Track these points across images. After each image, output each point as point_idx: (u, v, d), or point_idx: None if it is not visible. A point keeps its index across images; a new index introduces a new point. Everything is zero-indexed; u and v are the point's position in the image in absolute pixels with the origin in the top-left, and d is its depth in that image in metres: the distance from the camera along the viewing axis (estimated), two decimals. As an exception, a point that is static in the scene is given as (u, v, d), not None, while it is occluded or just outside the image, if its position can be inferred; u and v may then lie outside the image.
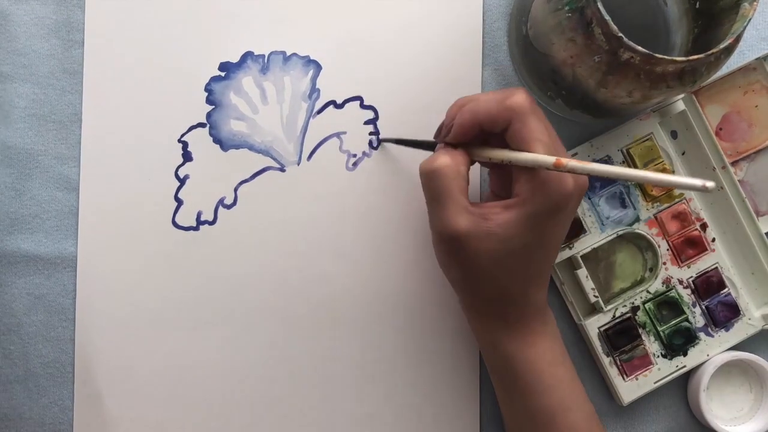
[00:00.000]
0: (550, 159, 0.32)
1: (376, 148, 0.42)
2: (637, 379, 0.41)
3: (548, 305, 0.38)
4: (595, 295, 0.41)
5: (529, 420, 0.37)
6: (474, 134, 0.34)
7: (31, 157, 0.41)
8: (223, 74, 0.42)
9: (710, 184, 0.28)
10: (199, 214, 0.42)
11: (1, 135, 0.41)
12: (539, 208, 0.33)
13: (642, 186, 0.41)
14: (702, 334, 0.42)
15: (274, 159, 0.42)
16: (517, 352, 0.36)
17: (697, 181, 0.28)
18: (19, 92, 0.41)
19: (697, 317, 0.42)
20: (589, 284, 0.41)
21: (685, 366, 0.41)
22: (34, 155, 0.41)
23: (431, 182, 0.34)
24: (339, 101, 0.42)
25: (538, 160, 0.32)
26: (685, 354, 0.42)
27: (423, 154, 0.37)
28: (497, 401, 0.39)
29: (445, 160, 0.34)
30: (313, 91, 0.42)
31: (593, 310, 0.42)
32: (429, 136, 0.38)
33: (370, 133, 0.42)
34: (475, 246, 0.33)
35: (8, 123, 0.41)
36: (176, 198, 0.41)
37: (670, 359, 0.41)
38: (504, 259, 0.34)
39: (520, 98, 0.33)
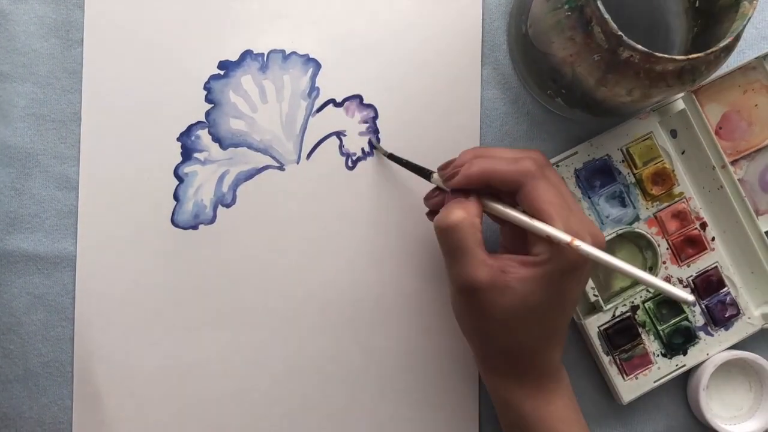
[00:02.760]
0: (566, 237, 0.32)
1: (371, 152, 0.42)
2: (636, 378, 0.41)
3: (562, 364, 0.38)
4: (594, 294, 0.41)
5: None
6: (479, 187, 0.34)
7: (30, 156, 0.41)
8: (222, 73, 0.42)
9: (690, 298, 0.31)
10: (198, 213, 0.42)
11: (1, 135, 0.41)
12: (557, 269, 0.33)
13: (642, 185, 0.41)
14: (702, 333, 0.42)
15: (274, 158, 0.42)
16: (531, 410, 0.36)
17: (682, 294, 0.31)
18: (19, 92, 0.41)
19: (696, 316, 0.42)
20: (588, 283, 0.41)
21: (684, 365, 0.41)
22: (34, 155, 0.41)
23: (448, 237, 0.34)
24: (338, 100, 0.42)
25: (553, 235, 0.32)
26: (684, 353, 0.42)
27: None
28: None
29: (460, 214, 0.34)
30: (313, 90, 0.42)
31: (593, 309, 0.42)
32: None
33: (370, 132, 0.42)
34: (493, 298, 0.33)
35: (8, 122, 0.41)
36: (175, 197, 0.41)
37: (670, 358, 0.41)
38: (521, 314, 0.34)
39: (530, 163, 0.34)
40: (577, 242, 0.32)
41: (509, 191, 0.34)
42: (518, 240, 0.36)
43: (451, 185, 0.35)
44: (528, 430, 0.36)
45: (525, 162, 0.34)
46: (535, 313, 0.34)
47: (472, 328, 0.36)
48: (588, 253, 0.32)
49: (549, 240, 0.33)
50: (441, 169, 0.36)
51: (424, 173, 0.38)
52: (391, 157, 0.41)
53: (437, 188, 0.38)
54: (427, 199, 0.38)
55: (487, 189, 0.35)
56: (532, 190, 0.33)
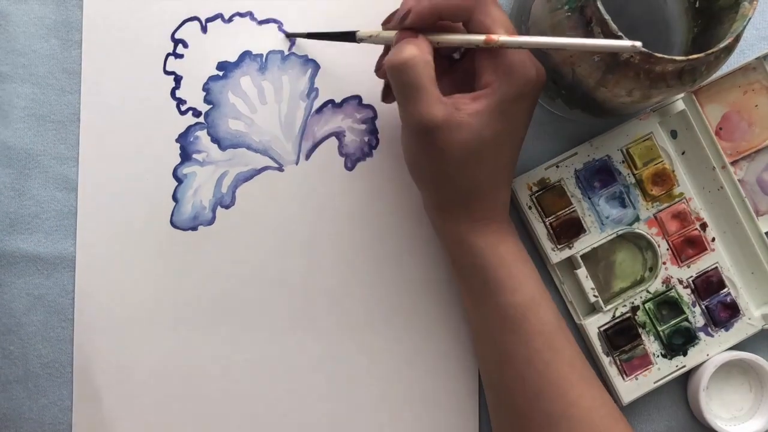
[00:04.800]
0: (480, 37, 0.33)
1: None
2: (636, 378, 0.41)
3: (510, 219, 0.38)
4: (594, 295, 0.41)
5: (500, 318, 0.36)
6: (431, 23, 0.35)
7: (30, 157, 0.41)
8: (221, 73, 0.42)
9: (638, 43, 0.30)
10: (197, 215, 0.42)
11: (0, 135, 0.41)
12: (506, 95, 0.34)
13: (642, 186, 0.41)
14: (702, 334, 0.42)
15: (273, 158, 0.42)
16: (487, 247, 0.36)
17: (626, 43, 0.31)
18: (19, 92, 0.41)
19: (696, 317, 0.42)
20: (588, 284, 0.41)
21: (684, 366, 0.41)
22: (34, 155, 0.41)
23: (403, 75, 0.34)
24: (338, 100, 0.42)
25: (470, 39, 0.34)
26: (684, 354, 0.41)
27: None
28: (466, 311, 0.39)
29: (413, 50, 0.34)
30: (312, 90, 0.42)
31: (593, 309, 0.42)
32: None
33: (369, 133, 0.42)
34: (449, 136, 0.34)
35: (7, 123, 0.41)
36: (174, 198, 0.41)
37: (670, 359, 0.41)
38: (476, 150, 0.34)
39: None
40: (494, 36, 0.33)
41: (460, 20, 0.35)
42: (463, 89, 0.36)
43: (406, 25, 0.35)
44: (484, 268, 0.36)
45: None
46: (489, 146, 0.35)
47: (428, 170, 0.36)
48: (507, 42, 0.33)
49: (498, 65, 0.34)
50: (385, 23, 0.37)
51: (349, 36, 0.38)
52: (311, 35, 0.40)
53: (387, 90, 0.38)
54: (378, 69, 0.38)
55: (437, 25, 0.35)
56: (483, 14, 0.34)
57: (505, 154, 0.36)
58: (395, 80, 0.34)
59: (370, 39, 0.37)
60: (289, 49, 0.42)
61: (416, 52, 0.34)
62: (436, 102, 0.34)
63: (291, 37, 0.42)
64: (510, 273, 0.36)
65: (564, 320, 0.38)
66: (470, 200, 0.36)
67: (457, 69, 0.38)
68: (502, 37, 0.33)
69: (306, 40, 0.41)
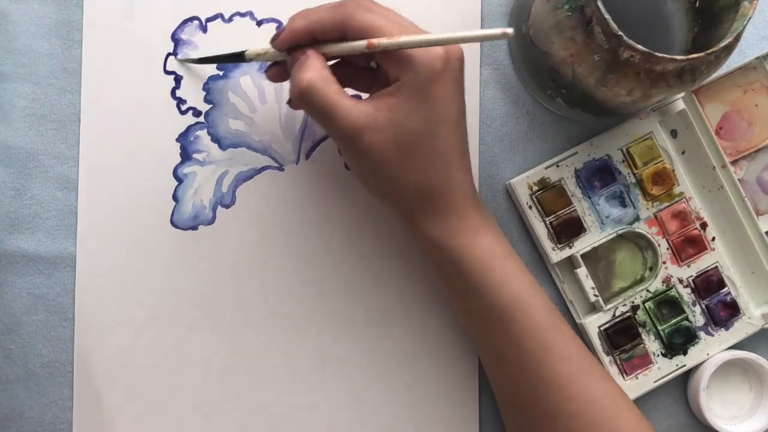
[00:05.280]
0: (363, 43, 0.33)
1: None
2: (637, 378, 0.41)
3: (484, 205, 0.38)
4: (595, 294, 0.41)
5: (487, 321, 0.36)
6: (305, 41, 0.35)
7: (31, 156, 0.41)
8: (221, 73, 0.42)
9: (509, 30, 0.30)
10: (197, 214, 0.42)
11: (1, 135, 0.41)
12: (416, 80, 0.33)
13: (642, 185, 0.41)
14: (702, 333, 0.42)
15: (273, 158, 0.42)
16: (463, 250, 0.36)
17: (497, 30, 0.31)
18: (19, 92, 0.41)
19: (697, 316, 0.42)
20: (588, 283, 0.41)
21: (685, 365, 0.41)
22: (34, 155, 0.41)
23: (308, 101, 0.34)
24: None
25: (354, 46, 0.34)
26: (685, 353, 0.41)
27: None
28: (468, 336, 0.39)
29: (307, 74, 0.34)
30: (312, 91, 0.42)
31: (593, 309, 0.42)
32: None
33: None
34: (377, 137, 0.34)
35: (8, 123, 0.41)
36: (174, 197, 0.41)
37: (670, 358, 0.41)
38: (408, 142, 0.34)
39: (349, 1, 0.34)
40: (374, 40, 0.33)
41: (336, 36, 0.34)
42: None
43: (279, 42, 0.35)
44: (462, 270, 0.36)
45: (344, 2, 0.34)
46: (422, 135, 0.34)
47: (374, 177, 0.36)
48: (385, 45, 0.33)
49: (396, 58, 0.33)
50: (272, 40, 0.36)
51: (239, 56, 0.38)
52: (202, 60, 0.40)
53: (273, 64, 0.38)
54: (270, 78, 0.38)
55: (313, 41, 0.35)
56: (358, 23, 0.34)
57: (444, 139, 0.35)
58: (306, 108, 0.35)
59: (259, 57, 0.37)
60: None
61: (311, 74, 0.34)
62: (351, 110, 0.34)
63: (183, 62, 0.41)
64: (491, 275, 0.36)
65: (557, 313, 0.37)
66: (429, 198, 0.36)
67: (379, 76, 0.38)
68: (382, 41, 0.33)
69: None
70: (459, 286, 0.37)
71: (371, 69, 0.38)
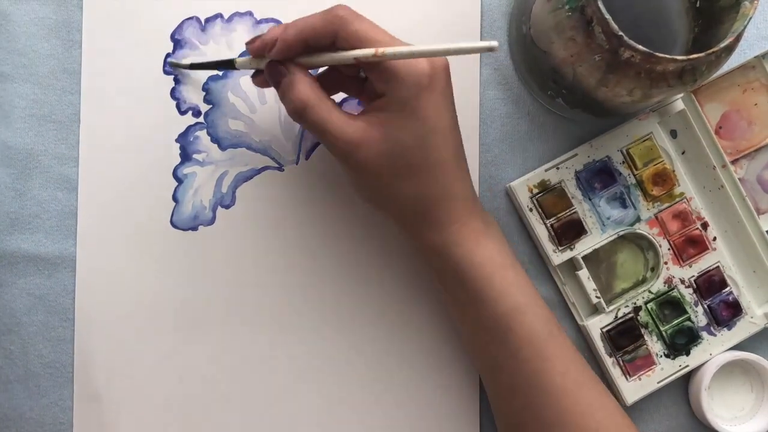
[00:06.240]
0: (370, 51, 0.33)
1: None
2: (640, 379, 0.41)
3: (485, 210, 0.38)
4: (597, 296, 0.41)
5: (485, 330, 0.36)
6: (298, 51, 0.35)
7: (31, 157, 0.41)
8: (221, 73, 0.42)
9: (494, 43, 0.30)
10: (197, 215, 0.42)
11: (1, 135, 0.41)
12: (402, 96, 0.33)
13: (642, 186, 0.41)
14: (705, 334, 0.42)
15: (273, 158, 0.42)
16: (463, 257, 0.36)
17: (482, 43, 0.30)
18: (19, 92, 0.41)
19: (699, 316, 0.42)
20: (590, 285, 0.41)
21: (688, 365, 0.41)
22: (34, 155, 0.41)
23: (303, 120, 0.34)
24: (337, 100, 0.42)
25: (359, 55, 0.33)
26: (687, 353, 0.41)
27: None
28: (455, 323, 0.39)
29: (298, 94, 0.34)
30: (312, 91, 0.42)
31: (595, 310, 0.42)
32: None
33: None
34: (373, 152, 0.34)
35: (8, 123, 0.41)
36: (174, 198, 0.41)
37: (673, 359, 0.41)
38: (402, 154, 0.34)
39: (341, 9, 0.34)
40: (380, 50, 0.32)
41: (327, 43, 0.34)
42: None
43: (273, 54, 0.35)
44: (461, 278, 0.36)
45: (336, 10, 0.34)
46: (415, 148, 0.34)
47: (374, 192, 0.36)
48: (392, 54, 0.32)
49: (381, 71, 0.33)
50: (249, 43, 0.36)
51: (229, 64, 0.38)
52: (193, 66, 0.40)
53: (257, 71, 0.37)
54: (257, 84, 0.38)
55: (306, 50, 0.35)
56: (350, 31, 0.33)
57: (437, 151, 0.35)
58: (305, 126, 0.35)
59: (249, 65, 0.37)
60: None
61: (302, 95, 0.34)
62: (345, 127, 0.34)
63: (174, 67, 0.41)
64: (491, 283, 0.36)
65: (556, 324, 0.37)
66: (427, 209, 0.36)
67: (370, 84, 0.37)
68: (388, 50, 0.32)
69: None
70: (459, 293, 0.37)
71: (361, 77, 0.38)
